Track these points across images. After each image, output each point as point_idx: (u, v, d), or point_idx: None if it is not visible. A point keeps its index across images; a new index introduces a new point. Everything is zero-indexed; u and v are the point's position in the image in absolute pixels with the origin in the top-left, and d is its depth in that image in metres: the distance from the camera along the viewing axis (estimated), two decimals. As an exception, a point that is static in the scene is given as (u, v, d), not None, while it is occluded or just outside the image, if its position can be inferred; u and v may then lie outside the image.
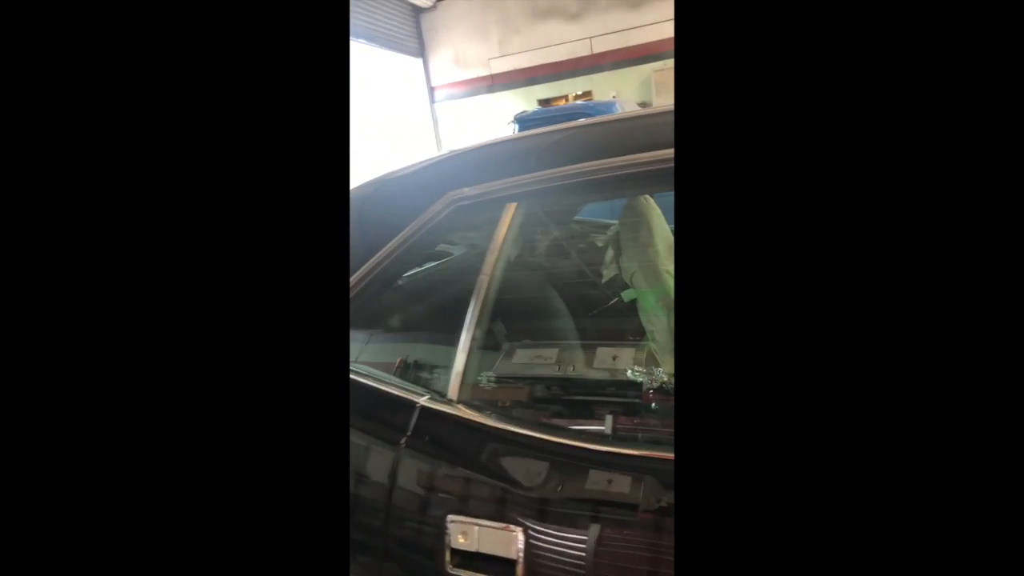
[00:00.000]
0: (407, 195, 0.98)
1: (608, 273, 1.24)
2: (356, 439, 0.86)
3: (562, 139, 0.91)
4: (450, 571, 0.73)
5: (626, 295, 1.11)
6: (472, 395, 0.83)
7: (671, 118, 0.80)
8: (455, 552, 0.73)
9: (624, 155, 0.79)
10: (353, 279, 0.92)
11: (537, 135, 0.98)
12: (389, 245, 0.92)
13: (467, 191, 0.88)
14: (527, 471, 0.74)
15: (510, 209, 0.86)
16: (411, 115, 9.50)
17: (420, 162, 1.05)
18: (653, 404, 0.80)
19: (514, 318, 0.95)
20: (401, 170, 1.07)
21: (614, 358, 0.89)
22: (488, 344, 0.88)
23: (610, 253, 1.28)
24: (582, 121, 1.00)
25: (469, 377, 0.83)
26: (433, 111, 9.84)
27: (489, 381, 0.86)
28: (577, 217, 1.68)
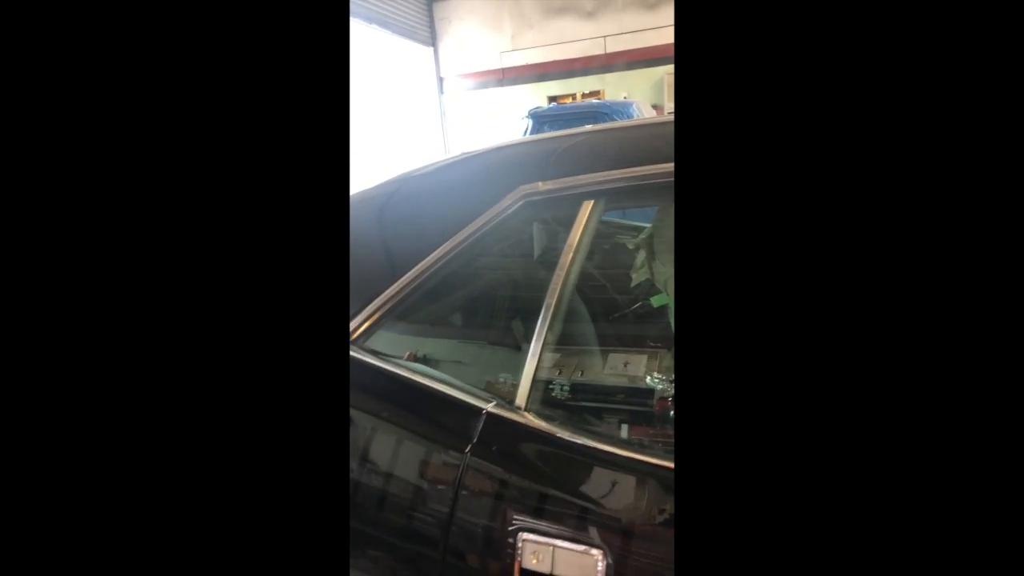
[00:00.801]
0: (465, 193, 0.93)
1: (638, 277, 1.20)
2: (414, 444, 0.80)
3: (641, 136, 0.86)
4: (519, 592, 0.68)
5: (656, 300, 1.07)
6: (542, 404, 0.78)
7: None
8: (525, 572, 0.68)
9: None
10: (409, 276, 0.87)
11: (614, 130, 0.93)
12: (455, 239, 0.86)
13: (541, 186, 0.83)
14: (607, 488, 0.69)
15: (586, 207, 0.81)
16: (418, 104, 9.41)
17: (451, 158, 1.00)
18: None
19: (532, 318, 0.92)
20: (427, 167, 1.02)
21: (625, 364, 0.85)
22: (556, 350, 0.83)
23: (641, 256, 1.24)
24: (662, 118, 0.95)
25: (539, 384, 0.78)
26: (441, 102, 9.75)
27: (563, 390, 0.81)
28: (605, 217, 1.63)
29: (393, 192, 1.01)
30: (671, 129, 0.86)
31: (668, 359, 0.92)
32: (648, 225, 1.23)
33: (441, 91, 9.82)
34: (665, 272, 1.05)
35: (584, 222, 0.81)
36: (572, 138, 0.92)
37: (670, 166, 0.76)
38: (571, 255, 0.80)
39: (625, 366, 0.91)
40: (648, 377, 0.85)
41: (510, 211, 0.85)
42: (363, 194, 1.04)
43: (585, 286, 1.05)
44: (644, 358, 0.92)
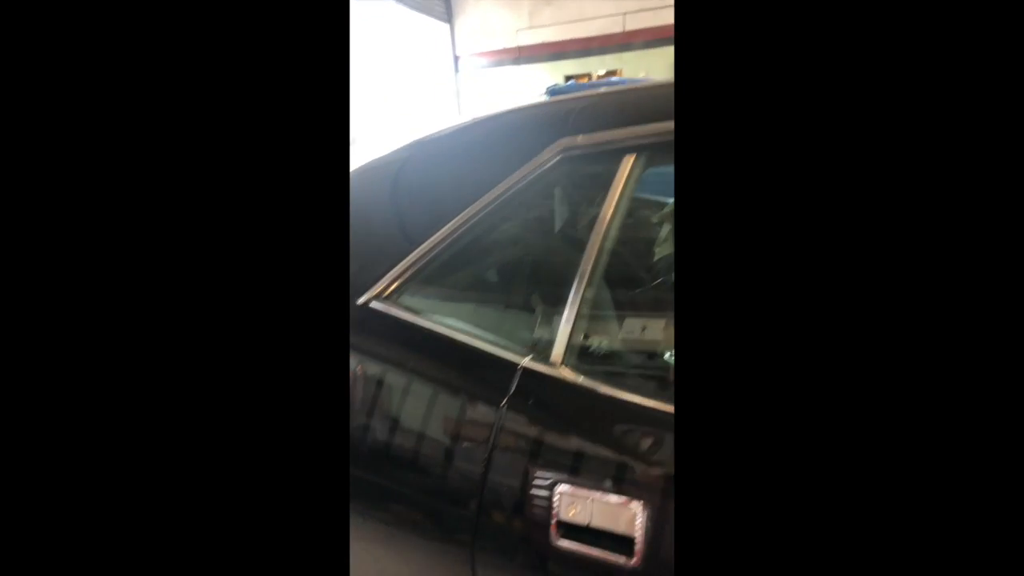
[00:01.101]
0: (501, 146, 0.91)
1: (661, 251, 1.18)
2: (449, 397, 0.80)
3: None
4: (555, 543, 0.68)
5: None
6: (578, 359, 0.78)
7: None
8: (563, 525, 0.68)
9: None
10: (431, 241, 0.86)
11: (653, 86, 0.91)
12: (486, 197, 0.85)
13: (580, 139, 0.81)
14: (646, 441, 0.68)
15: (627, 162, 0.79)
16: (433, 82, 9.32)
17: (471, 120, 0.99)
18: None
19: (549, 288, 0.90)
20: (444, 130, 1.00)
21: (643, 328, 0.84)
22: (596, 308, 0.82)
23: (665, 230, 1.22)
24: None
25: (576, 340, 0.77)
26: (456, 80, 9.66)
27: (601, 345, 0.80)
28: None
29: (408, 157, 1.00)
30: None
31: None
32: (671, 201, 1.21)
33: (456, 69, 9.71)
34: None
35: (625, 178, 0.79)
36: (611, 93, 0.90)
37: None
38: (610, 212, 0.79)
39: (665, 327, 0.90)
40: (666, 353, 0.83)
41: (548, 166, 0.83)
42: (376, 161, 1.03)
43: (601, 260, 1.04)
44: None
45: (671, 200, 1.22)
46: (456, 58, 9.58)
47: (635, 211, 1.37)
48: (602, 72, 8.59)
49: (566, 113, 0.89)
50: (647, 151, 0.79)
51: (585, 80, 8.36)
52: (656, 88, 0.87)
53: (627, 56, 8.52)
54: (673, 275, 1.02)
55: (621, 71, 8.50)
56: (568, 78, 8.66)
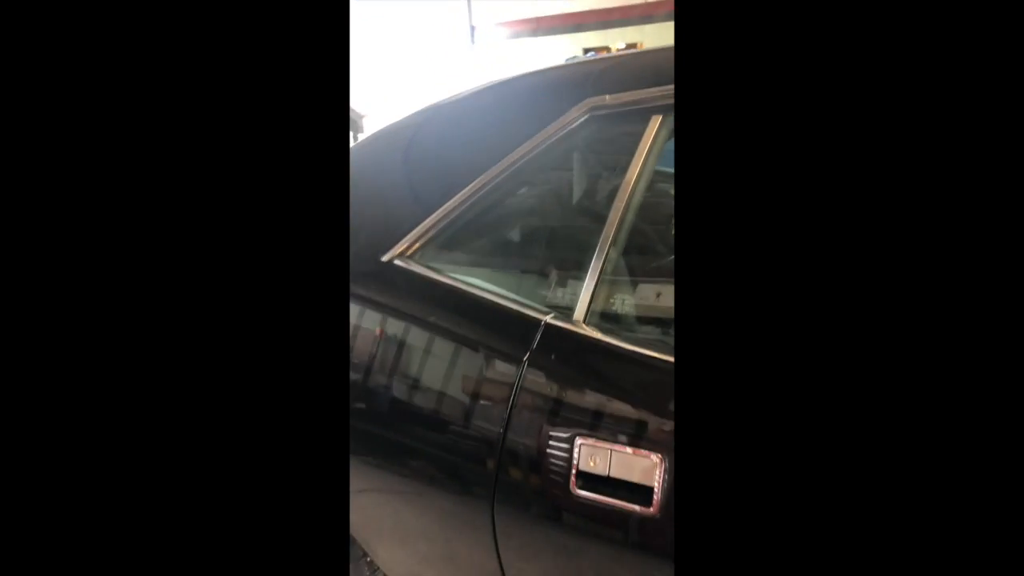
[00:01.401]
0: (526, 105, 0.91)
1: None
2: (472, 353, 0.82)
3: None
4: (575, 493, 0.70)
5: None
6: (600, 318, 0.79)
7: None
8: (582, 475, 0.70)
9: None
10: (455, 200, 0.86)
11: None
12: (508, 158, 0.85)
13: (608, 99, 0.81)
14: (666, 396, 0.70)
15: (655, 122, 0.79)
16: (449, 53, 9.19)
17: (491, 82, 0.98)
18: None
19: (569, 254, 0.91)
20: (461, 94, 1.00)
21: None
22: (619, 269, 0.83)
23: None
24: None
25: (599, 299, 0.78)
26: (473, 51, 9.51)
27: (624, 304, 0.81)
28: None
29: (430, 118, 1.00)
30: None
31: None
32: None
33: (472, 40, 9.56)
34: None
35: (652, 137, 0.79)
36: (638, 53, 0.89)
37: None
38: (637, 172, 0.78)
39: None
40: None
41: (574, 126, 0.83)
42: (396, 124, 1.04)
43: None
44: None
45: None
46: (473, 28, 9.42)
47: (655, 184, 1.36)
48: (622, 45, 8.40)
49: (593, 73, 0.88)
50: (674, 111, 0.79)
51: (604, 53, 8.20)
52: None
53: (648, 28, 8.32)
54: None
55: (641, 44, 8.32)
56: (587, 51, 8.50)
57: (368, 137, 1.08)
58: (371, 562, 0.97)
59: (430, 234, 0.88)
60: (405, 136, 1.02)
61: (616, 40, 8.56)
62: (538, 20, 9.31)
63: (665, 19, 8.37)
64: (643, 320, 0.83)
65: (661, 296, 0.84)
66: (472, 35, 9.55)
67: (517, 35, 9.35)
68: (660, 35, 8.23)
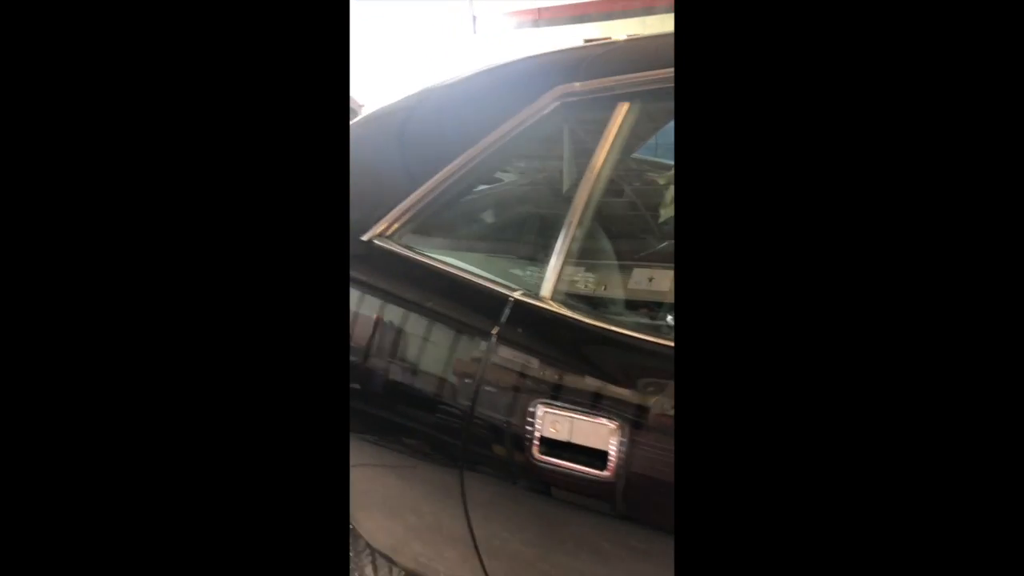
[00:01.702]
0: (499, 95, 0.94)
1: (667, 212, 1.21)
2: (444, 327, 0.86)
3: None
4: (537, 459, 0.74)
5: None
6: (566, 295, 0.83)
7: None
8: (545, 440, 0.74)
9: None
10: (432, 182, 0.90)
11: (650, 38, 0.93)
12: (482, 142, 0.89)
13: (578, 86, 0.85)
14: (624, 368, 0.74)
15: (621, 109, 0.83)
16: (450, 42, 9.16)
17: (513, 62, 1.01)
18: None
19: (546, 238, 0.93)
20: (453, 79, 1.03)
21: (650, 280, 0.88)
22: (584, 247, 0.86)
23: (671, 192, 1.24)
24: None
25: (565, 276, 0.82)
26: (474, 41, 9.48)
27: (588, 284, 0.85)
28: (634, 155, 1.63)
29: (416, 105, 1.04)
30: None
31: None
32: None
33: (474, 30, 9.53)
34: None
35: (619, 124, 0.82)
36: (608, 45, 0.92)
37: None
38: (603, 157, 0.82)
39: (649, 281, 0.94)
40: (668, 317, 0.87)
41: (545, 112, 0.87)
42: (385, 108, 1.07)
43: (609, 223, 1.07)
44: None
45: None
46: (474, 18, 9.40)
47: (643, 172, 1.40)
48: (623, 37, 8.38)
49: (564, 62, 0.92)
50: (640, 98, 0.82)
51: (606, 44, 8.16)
52: (649, 40, 0.89)
53: (650, 20, 8.29)
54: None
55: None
56: (588, 41, 8.48)
57: (360, 119, 1.11)
58: (368, 544, 1.01)
59: (408, 215, 0.92)
60: (395, 120, 1.06)
61: (618, 31, 8.54)
62: (540, 11, 9.29)
63: (666, 11, 8.34)
64: (607, 299, 0.87)
65: (653, 280, 0.88)
66: (473, 25, 9.54)
67: (519, 26, 9.34)
68: (662, 26, 8.20)
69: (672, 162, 1.40)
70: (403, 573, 1.04)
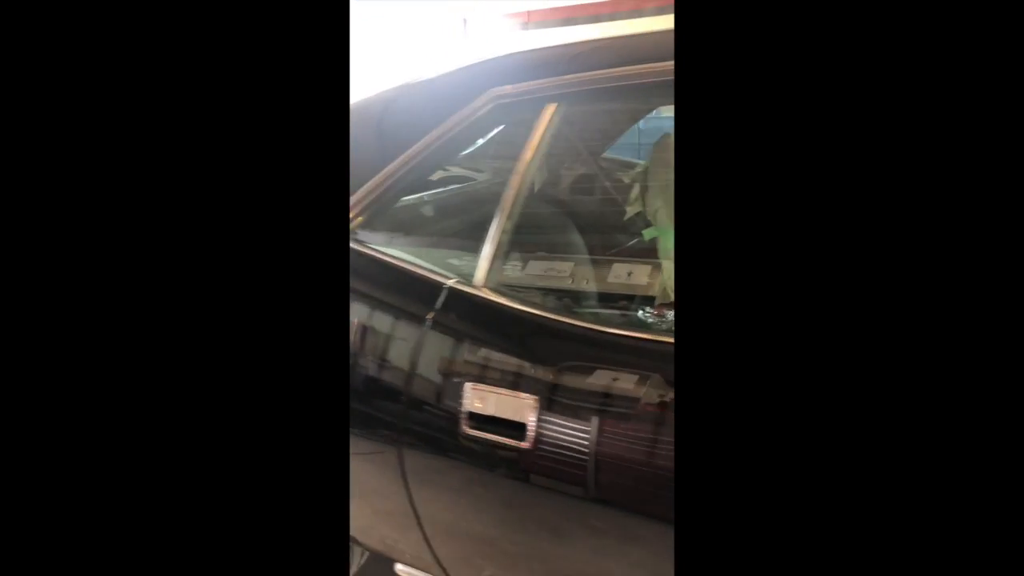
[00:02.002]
0: (440, 97, 1.01)
1: (632, 210, 1.27)
2: (382, 314, 0.92)
3: (602, 46, 0.92)
4: (466, 432, 0.81)
5: (647, 233, 1.14)
6: (498, 283, 0.89)
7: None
8: (472, 416, 0.80)
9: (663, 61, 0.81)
10: (377, 179, 0.96)
11: (577, 43, 0.99)
12: (423, 141, 0.95)
13: (509, 88, 0.91)
14: (545, 350, 0.80)
15: (549, 109, 0.89)
16: (439, 44, 9.22)
17: (454, 67, 1.07)
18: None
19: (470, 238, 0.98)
20: (429, 77, 1.09)
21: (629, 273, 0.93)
22: (515, 240, 0.93)
23: (636, 190, 1.30)
24: (626, 32, 1.01)
25: (497, 264, 0.88)
26: (464, 43, 9.54)
27: (516, 271, 0.91)
28: (605, 155, 1.69)
29: (364, 108, 1.09)
30: (633, 41, 0.93)
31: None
32: (642, 162, 1.30)
33: (464, 33, 9.60)
34: (655, 204, 1.12)
35: (546, 123, 0.89)
36: (536, 50, 0.99)
37: (624, 69, 0.84)
38: (531, 154, 0.89)
39: (628, 276, 0.98)
40: (641, 311, 0.92)
41: (480, 113, 0.93)
42: (363, 101, 1.13)
43: (580, 221, 1.13)
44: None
45: (642, 161, 1.31)
46: (464, 21, 9.47)
47: (612, 171, 1.46)
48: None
49: (500, 66, 0.98)
50: (567, 99, 0.89)
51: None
52: (576, 45, 0.96)
53: (638, 23, 8.37)
54: (644, 232, 1.11)
55: (630, 38, 8.36)
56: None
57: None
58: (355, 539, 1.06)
59: (356, 209, 0.99)
60: (371, 113, 1.10)
61: (606, 33, 8.60)
62: (529, 14, 9.39)
63: (654, 13, 8.42)
64: (537, 287, 0.94)
65: (576, 270, 0.94)
66: (464, 28, 9.61)
67: (510, 28, 9.42)
68: (649, 29, 8.27)
69: (638, 161, 1.47)
70: (367, 554, 1.10)
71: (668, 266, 0.92)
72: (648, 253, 1.00)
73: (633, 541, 0.75)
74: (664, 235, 1.05)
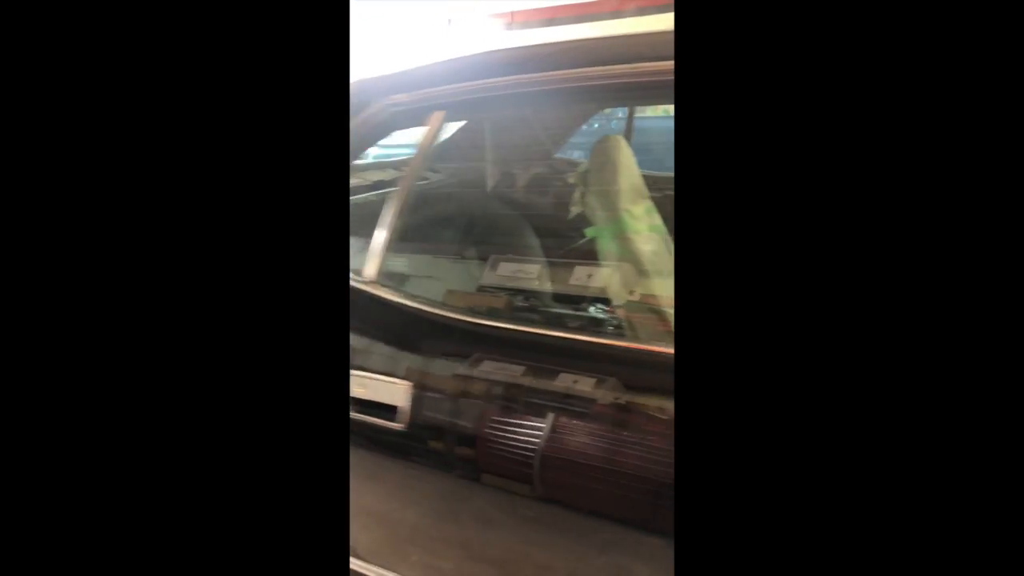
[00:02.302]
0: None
1: (576, 209, 1.33)
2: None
3: (485, 58, 1.00)
4: (353, 416, 0.88)
5: (588, 232, 1.21)
6: (386, 278, 0.96)
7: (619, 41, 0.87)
8: (355, 400, 0.87)
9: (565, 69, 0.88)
10: None
11: (468, 56, 1.07)
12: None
13: (402, 97, 0.98)
14: (411, 335, 0.87)
15: (437, 117, 0.96)
16: (423, 44, 9.23)
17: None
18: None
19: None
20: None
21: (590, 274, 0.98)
22: (404, 234, 0.99)
23: (579, 190, 1.37)
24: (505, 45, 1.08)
25: (387, 262, 0.95)
26: (447, 43, 9.58)
27: (402, 266, 0.98)
28: (559, 155, 1.76)
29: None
30: (514, 53, 1.00)
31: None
32: (584, 160, 1.37)
33: (448, 34, 9.63)
34: (594, 204, 1.18)
35: (432, 130, 0.96)
36: (428, 66, 1.05)
37: (495, 80, 0.91)
38: (420, 156, 0.96)
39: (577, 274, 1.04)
40: (592, 308, 0.98)
41: (378, 119, 1.00)
42: None
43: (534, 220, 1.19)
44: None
45: (584, 160, 1.38)
46: (448, 20, 9.51)
47: (563, 171, 1.52)
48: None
49: (399, 75, 1.05)
50: (452, 107, 0.96)
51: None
52: (463, 58, 1.03)
53: (619, 23, 8.44)
54: (587, 231, 1.17)
55: (612, 38, 8.42)
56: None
57: None
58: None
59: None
60: None
61: (589, 35, 8.66)
62: (513, 15, 9.44)
63: (635, 14, 8.48)
64: (424, 279, 1.01)
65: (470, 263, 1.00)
66: (448, 27, 9.65)
67: (494, 28, 9.46)
68: (631, 30, 8.33)
69: (581, 160, 1.54)
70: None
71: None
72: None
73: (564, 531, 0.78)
74: (600, 233, 1.11)
